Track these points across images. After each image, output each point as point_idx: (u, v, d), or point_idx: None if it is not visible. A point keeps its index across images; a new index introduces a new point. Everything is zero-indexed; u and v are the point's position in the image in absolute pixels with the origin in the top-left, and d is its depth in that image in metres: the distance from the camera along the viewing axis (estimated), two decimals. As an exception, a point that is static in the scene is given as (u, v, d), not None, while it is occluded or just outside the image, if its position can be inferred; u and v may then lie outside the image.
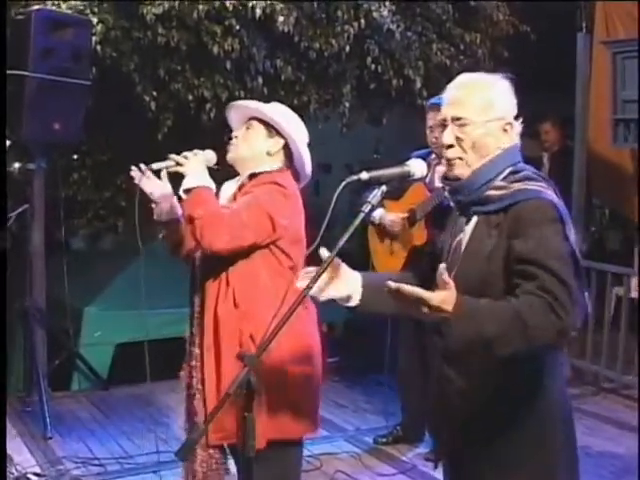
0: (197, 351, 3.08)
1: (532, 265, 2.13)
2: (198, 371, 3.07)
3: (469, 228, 2.35)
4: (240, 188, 3.11)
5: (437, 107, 4.59)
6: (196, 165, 2.98)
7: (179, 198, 3.03)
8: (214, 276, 3.03)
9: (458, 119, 2.30)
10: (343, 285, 2.40)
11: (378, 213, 4.77)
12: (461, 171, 2.33)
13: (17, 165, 6.17)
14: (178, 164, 2.98)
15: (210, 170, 3.06)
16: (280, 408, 2.98)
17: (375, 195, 2.28)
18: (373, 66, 6.61)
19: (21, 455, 4.66)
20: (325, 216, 2.26)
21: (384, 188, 2.30)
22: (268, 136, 3.11)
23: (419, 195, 4.63)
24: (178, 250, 3.18)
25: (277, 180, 3.00)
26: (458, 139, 2.31)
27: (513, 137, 2.35)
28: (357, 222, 2.25)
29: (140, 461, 4.60)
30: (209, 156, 3.08)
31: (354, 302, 2.42)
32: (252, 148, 3.11)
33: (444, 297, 2.03)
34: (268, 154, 3.10)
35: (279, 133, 3.11)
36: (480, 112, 2.29)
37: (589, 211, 7.41)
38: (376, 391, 5.80)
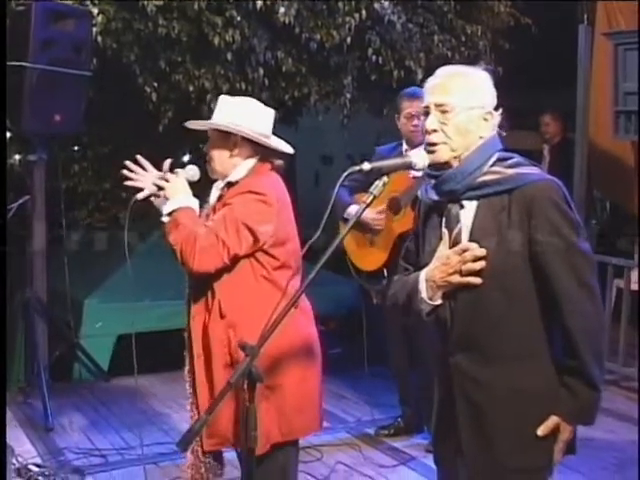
0: (189, 356, 3.15)
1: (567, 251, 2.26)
2: (190, 376, 3.14)
3: (468, 216, 2.36)
4: (220, 198, 3.12)
5: (413, 97, 4.63)
6: (177, 186, 3.00)
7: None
8: (201, 287, 3.07)
9: (441, 105, 2.34)
10: None
11: (353, 210, 4.64)
12: (444, 155, 2.35)
13: (18, 157, 6.15)
14: (160, 188, 3.02)
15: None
16: (283, 410, 3.02)
17: (377, 186, 2.29)
18: (374, 57, 6.59)
19: (22, 446, 4.67)
20: (324, 207, 2.26)
21: (386, 179, 2.30)
22: (223, 139, 3.09)
23: (398, 183, 4.42)
24: None
25: (252, 188, 2.98)
26: (442, 124, 2.34)
27: (493, 127, 2.39)
28: (360, 212, 2.29)
29: (141, 452, 4.60)
30: (191, 173, 3.10)
31: None
32: (218, 159, 3.11)
33: None
34: (231, 156, 3.09)
35: (230, 132, 3.08)
36: (462, 99, 2.33)
37: (590, 203, 7.41)
38: (377, 382, 5.80)
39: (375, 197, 2.29)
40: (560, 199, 2.28)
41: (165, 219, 2.99)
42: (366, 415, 5.38)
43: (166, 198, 3.00)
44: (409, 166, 2.35)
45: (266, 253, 3.01)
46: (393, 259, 4.42)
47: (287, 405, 3.03)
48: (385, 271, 4.60)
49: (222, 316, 3.00)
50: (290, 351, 3.01)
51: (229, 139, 3.07)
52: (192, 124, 3.21)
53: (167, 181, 3.02)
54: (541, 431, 2.29)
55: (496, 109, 2.39)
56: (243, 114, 3.08)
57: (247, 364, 2.21)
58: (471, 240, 2.33)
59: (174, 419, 5.08)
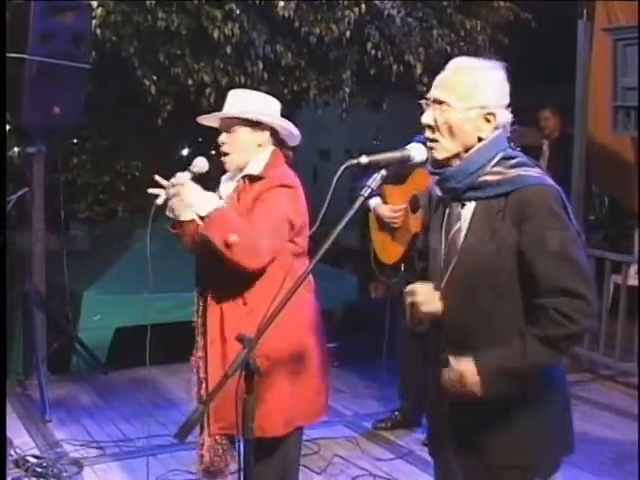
0: (201, 342, 3.13)
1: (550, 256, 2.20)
2: (203, 361, 3.12)
3: (466, 215, 2.34)
4: (239, 190, 3.09)
5: None
6: (193, 190, 2.91)
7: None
8: (222, 272, 2.98)
9: (439, 102, 2.31)
10: None
11: (373, 202, 4.77)
12: (438, 155, 2.33)
13: (17, 149, 6.14)
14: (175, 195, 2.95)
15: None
16: (308, 394, 3.06)
17: (375, 179, 2.28)
18: (373, 52, 6.61)
19: (20, 437, 4.67)
20: (323, 202, 2.25)
21: (384, 172, 2.30)
22: (252, 130, 3.09)
23: (421, 181, 4.55)
24: (186, 245, 3.15)
25: (283, 182, 3.00)
26: (436, 121, 2.32)
27: (497, 126, 2.33)
28: (357, 205, 2.25)
29: (139, 444, 4.61)
30: (200, 164, 3.04)
31: None
32: (245, 151, 3.09)
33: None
34: (260, 146, 3.09)
35: (260, 123, 3.08)
36: (462, 98, 2.29)
37: (588, 199, 7.41)
38: (375, 376, 5.81)
39: (373, 190, 2.29)
40: (557, 205, 2.24)
41: (198, 221, 2.90)
42: (364, 409, 5.39)
43: (186, 202, 2.91)
44: (407, 159, 2.34)
45: (292, 242, 3.04)
46: (408, 255, 4.52)
47: (311, 389, 3.09)
48: (402, 266, 4.69)
49: (245, 303, 3.00)
50: (312, 335, 3.08)
51: (256, 129, 3.08)
52: (208, 117, 3.21)
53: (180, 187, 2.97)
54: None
55: (508, 107, 2.34)
56: (258, 105, 3.11)
57: (245, 356, 2.21)
58: (465, 240, 2.32)
59: (172, 411, 5.09)
